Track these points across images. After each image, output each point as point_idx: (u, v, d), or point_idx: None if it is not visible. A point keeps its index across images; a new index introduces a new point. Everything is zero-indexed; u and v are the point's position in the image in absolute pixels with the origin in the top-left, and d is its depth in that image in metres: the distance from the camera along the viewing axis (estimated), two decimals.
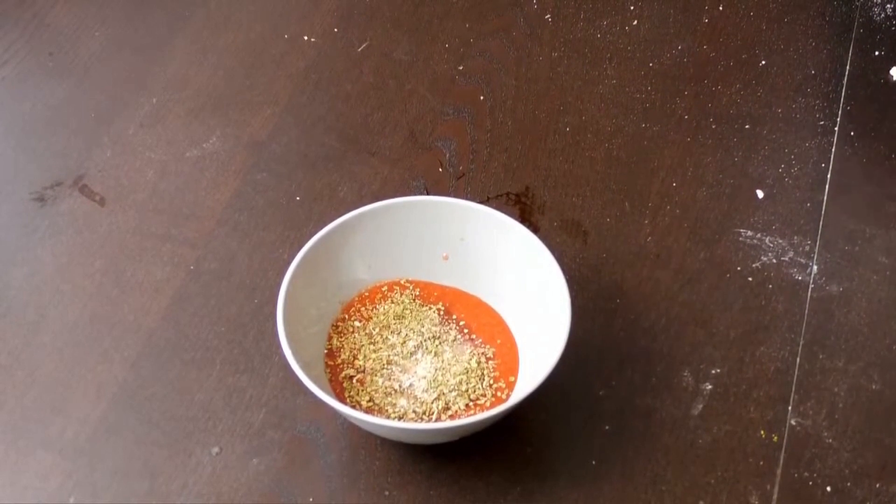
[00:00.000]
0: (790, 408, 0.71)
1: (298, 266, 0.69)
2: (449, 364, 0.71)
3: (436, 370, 0.71)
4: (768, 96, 0.91)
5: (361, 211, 0.73)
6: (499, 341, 0.72)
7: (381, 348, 0.72)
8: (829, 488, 0.68)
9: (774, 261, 0.79)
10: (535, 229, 0.80)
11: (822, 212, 0.82)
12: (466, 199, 0.75)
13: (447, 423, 0.67)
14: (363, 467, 0.69)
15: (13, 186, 0.85)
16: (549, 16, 0.98)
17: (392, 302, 0.74)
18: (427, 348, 0.72)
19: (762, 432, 0.70)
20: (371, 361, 0.71)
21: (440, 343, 0.72)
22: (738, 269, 0.78)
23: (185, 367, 0.74)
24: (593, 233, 0.81)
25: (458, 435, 0.67)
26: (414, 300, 0.75)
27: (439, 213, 0.74)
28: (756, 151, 0.86)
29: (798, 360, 0.74)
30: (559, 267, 0.69)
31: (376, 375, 0.70)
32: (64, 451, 0.70)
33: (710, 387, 0.72)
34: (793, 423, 0.70)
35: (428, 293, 0.75)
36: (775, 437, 0.70)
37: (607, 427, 0.70)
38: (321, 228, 0.72)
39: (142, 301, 0.77)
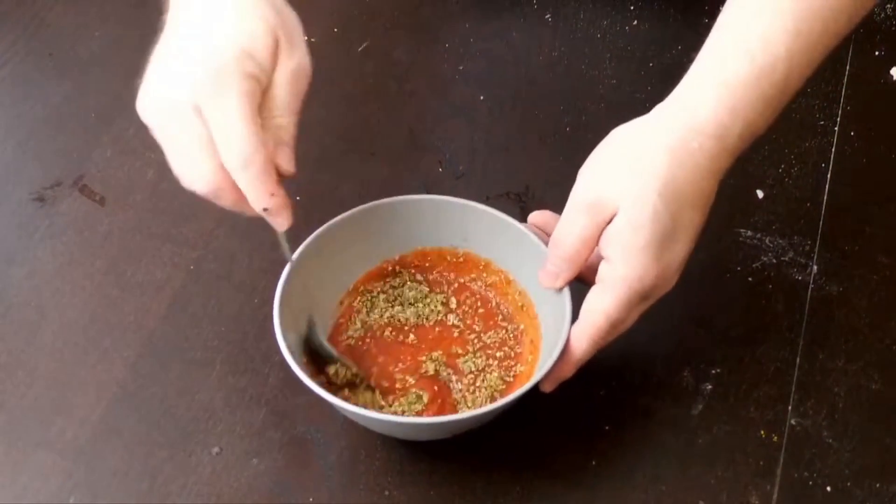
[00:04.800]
0: (790, 408, 0.71)
1: (296, 264, 0.69)
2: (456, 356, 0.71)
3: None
4: None
5: (362, 208, 0.72)
6: (502, 333, 0.72)
7: None
8: (829, 488, 0.68)
9: (774, 261, 0.79)
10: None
11: (822, 212, 0.82)
12: (466, 198, 0.75)
13: (443, 419, 0.67)
14: (363, 467, 0.69)
15: (13, 186, 0.85)
16: (549, 16, 0.98)
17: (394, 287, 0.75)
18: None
19: (762, 432, 0.70)
20: None
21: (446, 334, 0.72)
22: (738, 269, 0.78)
23: (185, 367, 0.74)
24: None
25: (452, 431, 0.67)
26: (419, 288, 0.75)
27: (442, 212, 0.73)
28: (756, 151, 0.86)
29: (798, 360, 0.74)
30: None
31: None
32: (64, 451, 0.70)
33: (710, 387, 0.72)
34: (793, 423, 0.70)
35: (434, 285, 0.75)
36: (775, 437, 0.70)
37: (607, 427, 0.70)
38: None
39: (142, 301, 0.77)
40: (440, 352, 0.72)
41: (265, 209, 0.62)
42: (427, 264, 0.75)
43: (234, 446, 0.70)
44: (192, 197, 0.85)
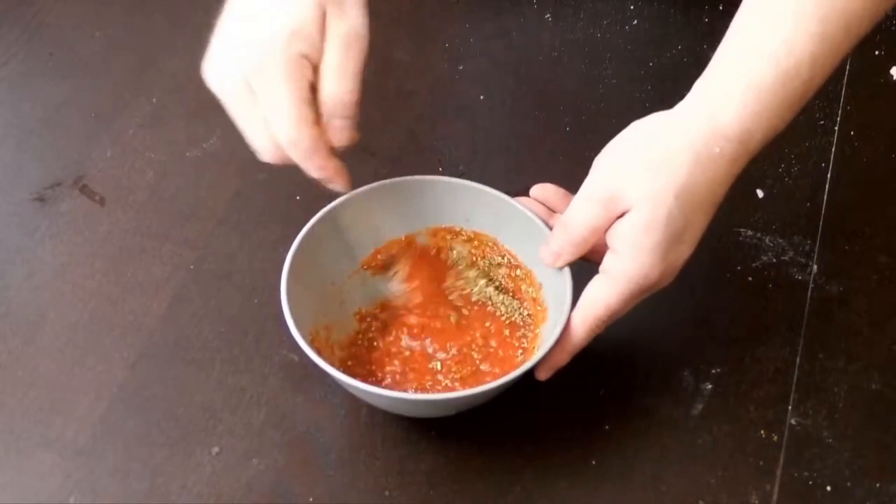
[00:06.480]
0: (790, 408, 0.71)
1: (299, 247, 0.69)
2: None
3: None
4: None
5: (371, 187, 0.72)
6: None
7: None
8: (829, 488, 0.68)
9: (774, 261, 0.79)
10: None
11: (822, 212, 0.82)
12: None
13: (439, 395, 0.67)
14: (363, 467, 0.69)
15: (13, 186, 0.85)
16: (549, 16, 0.98)
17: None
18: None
19: (762, 432, 0.70)
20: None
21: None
22: (738, 269, 0.78)
23: (185, 367, 0.74)
24: None
25: (444, 408, 0.68)
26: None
27: (443, 193, 0.73)
28: None
29: (798, 360, 0.74)
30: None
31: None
32: (64, 451, 0.70)
33: (710, 387, 0.72)
34: (793, 422, 0.70)
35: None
36: (775, 437, 0.70)
37: (607, 427, 0.70)
38: None
39: (142, 301, 0.77)
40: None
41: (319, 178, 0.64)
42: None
43: (234, 446, 0.70)
44: (192, 197, 0.85)
